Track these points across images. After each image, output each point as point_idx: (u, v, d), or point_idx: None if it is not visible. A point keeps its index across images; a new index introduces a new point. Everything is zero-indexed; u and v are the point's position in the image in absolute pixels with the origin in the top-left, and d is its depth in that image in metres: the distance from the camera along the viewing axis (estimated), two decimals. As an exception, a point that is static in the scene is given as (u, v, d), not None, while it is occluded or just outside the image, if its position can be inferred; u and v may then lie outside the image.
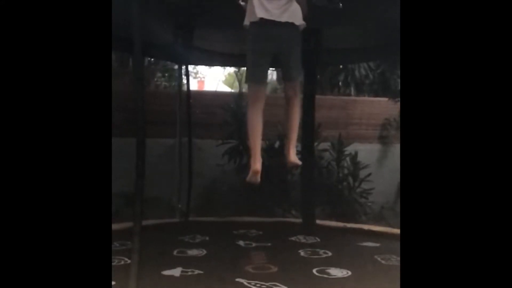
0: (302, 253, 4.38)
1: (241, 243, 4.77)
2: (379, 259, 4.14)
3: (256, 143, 2.93)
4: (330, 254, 4.34)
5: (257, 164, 2.88)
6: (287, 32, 2.92)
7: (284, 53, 2.98)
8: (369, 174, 7.31)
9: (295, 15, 2.95)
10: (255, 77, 2.98)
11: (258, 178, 2.93)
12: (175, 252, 4.28)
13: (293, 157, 3.03)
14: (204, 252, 4.34)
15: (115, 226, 3.92)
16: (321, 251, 4.40)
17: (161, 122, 6.83)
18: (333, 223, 6.00)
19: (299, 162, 3.08)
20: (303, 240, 4.92)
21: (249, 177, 2.92)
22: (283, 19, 2.87)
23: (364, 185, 7.32)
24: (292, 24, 2.91)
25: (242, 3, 3.18)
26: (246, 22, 2.98)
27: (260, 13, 2.86)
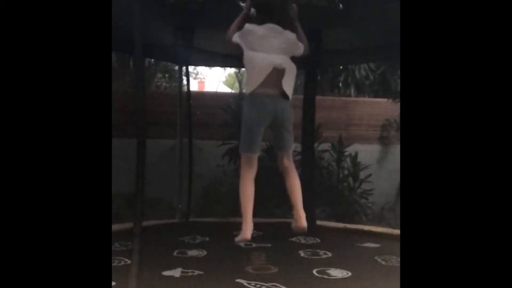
0: (302, 253, 4.38)
1: (241, 243, 4.75)
2: (379, 260, 4.14)
3: (248, 210, 3.00)
4: (330, 254, 4.33)
5: (247, 232, 2.97)
6: (282, 104, 3.01)
7: (277, 124, 3.06)
8: (370, 175, 7.31)
9: (289, 86, 3.04)
10: (248, 149, 3.06)
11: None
12: (175, 253, 4.27)
13: (304, 223, 3.08)
14: (204, 252, 4.34)
15: (115, 227, 3.94)
16: (321, 252, 4.40)
17: (161, 123, 6.84)
18: (333, 224, 5.99)
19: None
20: (303, 241, 4.91)
21: (238, 240, 3.02)
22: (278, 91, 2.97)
23: (365, 186, 7.32)
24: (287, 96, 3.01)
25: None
26: (247, 90, 3.04)
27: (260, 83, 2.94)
